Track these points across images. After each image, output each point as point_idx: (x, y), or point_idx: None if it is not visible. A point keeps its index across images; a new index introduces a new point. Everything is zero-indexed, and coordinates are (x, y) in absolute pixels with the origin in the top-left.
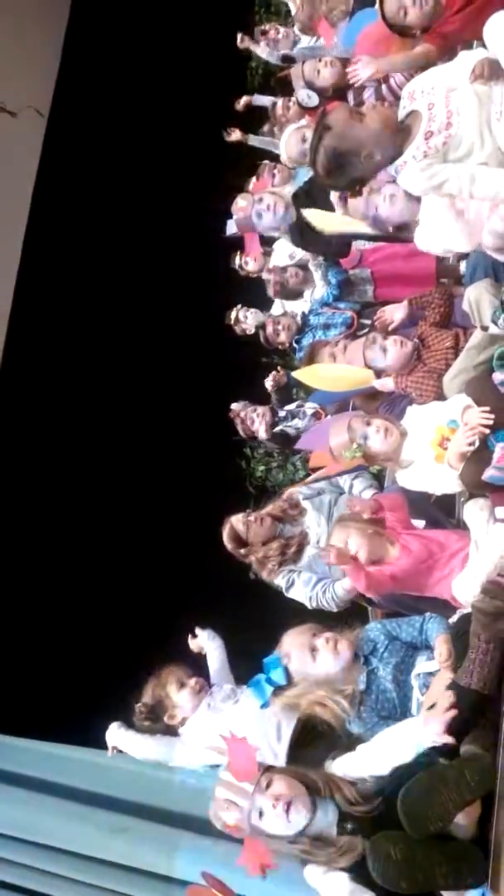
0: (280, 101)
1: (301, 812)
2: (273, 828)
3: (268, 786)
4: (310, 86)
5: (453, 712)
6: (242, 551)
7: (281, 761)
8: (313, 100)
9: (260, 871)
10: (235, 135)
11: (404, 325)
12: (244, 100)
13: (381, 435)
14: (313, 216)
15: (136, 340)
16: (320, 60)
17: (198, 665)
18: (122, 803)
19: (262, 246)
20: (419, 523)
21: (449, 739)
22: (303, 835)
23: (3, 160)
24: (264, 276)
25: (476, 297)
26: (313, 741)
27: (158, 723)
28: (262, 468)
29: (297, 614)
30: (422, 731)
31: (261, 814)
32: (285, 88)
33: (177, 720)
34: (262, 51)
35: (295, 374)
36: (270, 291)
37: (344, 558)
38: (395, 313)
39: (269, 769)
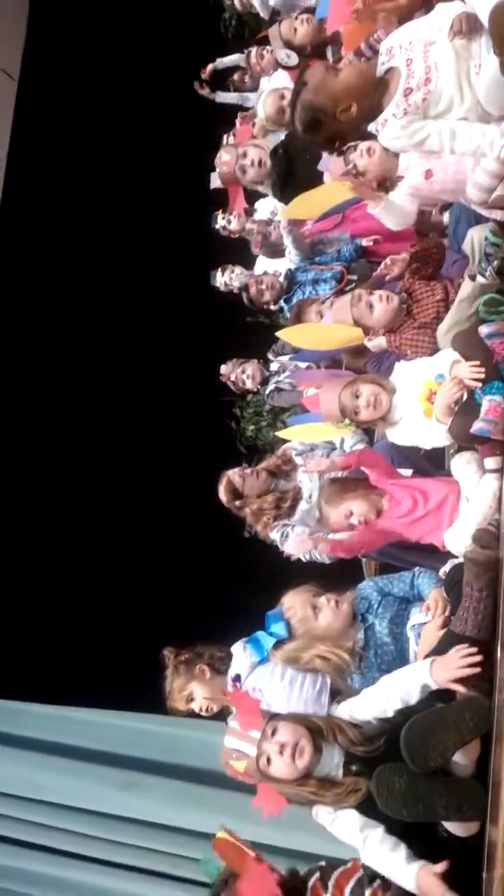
0: (254, 50)
1: (305, 756)
2: (281, 772)
3: (273, 733)
4: (288, 45)
5: (469, 660)
6: (238, 503)
7: (325, 712)
8: (292, 59)
9: (275, 811)
10: (203, 90)
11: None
12: (209, 69)
13: (371, 407)
14: (296, 207)
15: (119, 304)
16: (296, 18)
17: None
18: (129, 760)
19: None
20: (406, 472)
21: (456, 685)
22: (310, 777)
23: None
24: (247, 227)
25: (479, 238)
26: None
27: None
28: (252, 428)
29: (294, 574)
30: (428, 672)
31: (268, 760)
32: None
33: (213, 711)
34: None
35: (280, 333)
36: (253, 245)
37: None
38: (395, 266)
39: (273, 717)
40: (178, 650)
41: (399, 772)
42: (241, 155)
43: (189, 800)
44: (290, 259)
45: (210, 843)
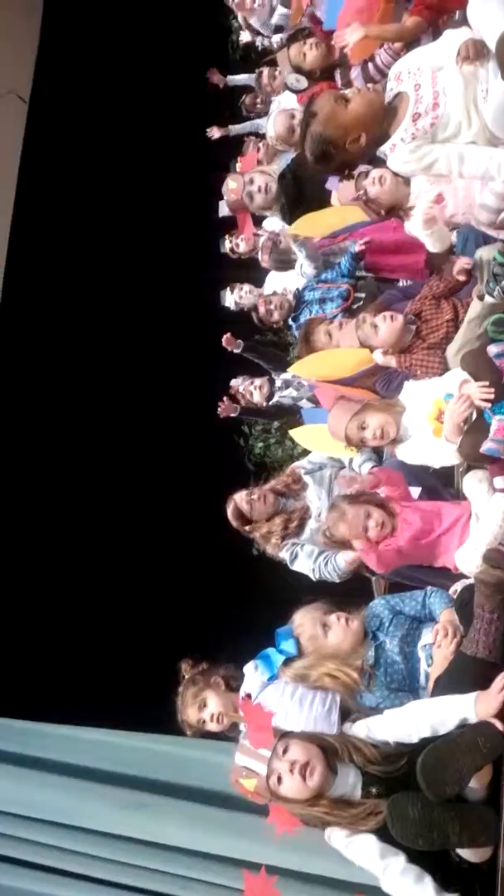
0: (266, 71)
1: (316, 776)
2: (291, 792)
3: (284, 751)
4: (297, 70)
5: None
6: (247, 528)
7: (336, 730)
8: (301, 83)
9: (289, 829)
10: (216, 133)
11: (396, 300)
12: (220, 78)
13: (378, 439)
14: (303, 225)
15: (130, 323)
16: (305, 43)
17: (206, 648)
18: (139, 781)
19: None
20: (415, 490)
21: (500, 725)
22: (322, 797)
23: None
24: (258, 233)
25: (488, 258)
26: None
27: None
28: (260, 445)
29: (303, 590)
30: (470, 708)
31: (279, 779)
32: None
33: (224, 725)
34: (253, 18)
35: (292, 369)
36: (261, 253)
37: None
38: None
39: (285, 735)
40: (195, 662)
41: (413, 801)
42: (248, 182)
43: (200, 821)
44: (302, 272)
45: (220, 866)
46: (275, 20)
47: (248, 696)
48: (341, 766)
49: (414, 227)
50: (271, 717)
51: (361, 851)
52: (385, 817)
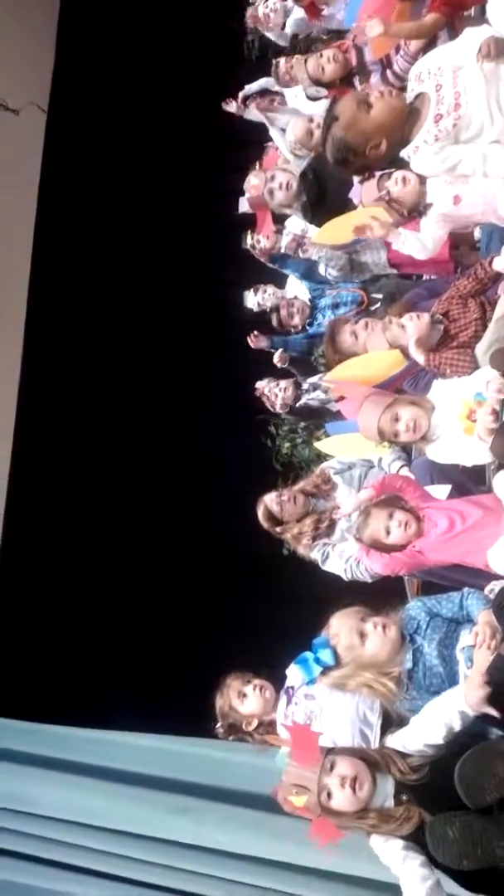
0: (283, 60)
1: (365, 788)
2: (342, 805)
3: (332, 767)
4: (316, 82)
5: (486, 679)
6: (278, 529)
7: (375, 742)
8: (321, 93)
9: (333, 841)
10: (233, 106)
11: (422, 298)
12: (240, 97)
13: (411, 431)
14: (328, 233)
15: (156, 325)
16: (322, 56)
17: (250, 656)
18: (182, 784)
19: (274, 224)
20: (445, 488)
21: (488, 709)
22: (369, 810)
23: (10, 158)
24: (282, 241)
25: None
26: None
27: (246, 734)
28: (287, 445)
29: (335, 590)
30: (461, 698)
31: (329, 794)
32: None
33: (253, 726)
34: (271, 33)
35: (329, 376)
36: (288, 249)
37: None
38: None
39: (330, 751)
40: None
41: (450, 821)
42: (269, 178)
43: (243, 824)
44: (327, 272)
45: (264, 868)
46: (289, 29)
47: (291, 689)
48: (380, 777)
49: (426, 224)
50: (318, 735)
51: (388, 855)
52: (428, 845)
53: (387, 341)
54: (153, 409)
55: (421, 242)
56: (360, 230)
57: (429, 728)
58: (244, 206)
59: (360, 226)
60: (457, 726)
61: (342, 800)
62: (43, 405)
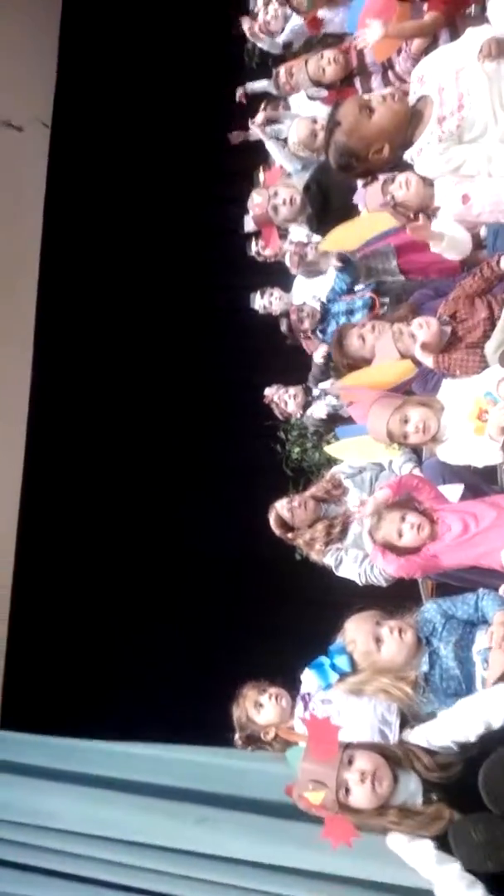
0: (283, 69)
1: (385, 784)
2: (361, 802)
3: (350, 762)
4: (317, 84)
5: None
6: (290, 535)
7: (395, 739)
8: (322, 93)
9: (346, 841)
10: (238, 136)
11: (428, 298)
12: (240, 92)
13: (421, 432)
14: (335, 240)
15: (159, 333)
16: (322, 57)
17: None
18: (197, 794)
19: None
20: (458, 489)
21: None
22: (389, 807)
23: (16, 174)
24: (284, 247)
25: None
26: None
27: (264, 744)
28: (297, 450)
29: (349, 594)
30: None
31: (347, 790)
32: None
33: (271, 735)
34: (262, 42)
35: (339, 383)
36: (290, 265)
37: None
38: None
39: (348, 746)
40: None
41: (474, 823)
42: (273, 195)
43: (260, 832)
44: (337, 280)
45: (284, 877)
46: (284, 37)
47: (308, 695)
48: (403, 774)
49: (439, 226)
50: (337, 730)
51: (419, 857)
52: (451, 845)
53: (398, 351)
54: (161, 415)
55: (460, 243)
56: (414, 230)
57: (465, 724)
58: (249, 224)
59: (415, 226)
60: (497, 724)
61: (361, 796)
62: (53, 417)
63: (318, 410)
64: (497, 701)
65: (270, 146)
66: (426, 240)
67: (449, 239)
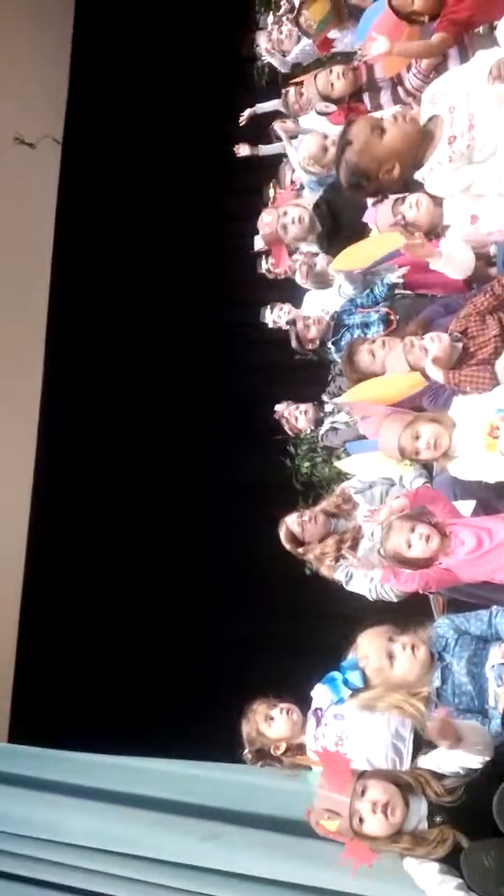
0: (292, 90)
1: (398, 813)
2: (375, 831)
3: (363, 792)
4: (326, 98)
5: None
6: (300, 550)
7: (407, 763)
8: (330, 108)
9: (367, 862)
10: (244, 150)
11: (439, 315)
12: (247, 113)
13: (432, 448)
14: (345, 259)
15: (170, 348)
16: (332, 72)
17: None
18: (208, 810)
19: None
20: (469, 504)
21: None
22: (402, 833)
23: (28, 191)
24: (294, 257)
25: None
26: None
27: (274, 759)
28: (307, 464)
29: (360, 608)
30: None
31: (360, 819)
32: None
33: (282, 750)
34: (274, 61)
35: (344, 396)
36: (299, 276)
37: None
38: None
39: (361, 775)
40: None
41: (486, 850)
42: (282, 214)
43: (271, 849)
44: (341, 293)
45: (290, 892)
46: (292, 57)
47: (319, 710)
48: (414, 799)
49: (445, 246)
50: (349, 762)
51: (425, 879)
52: (463, 872)
53: (408, 363)
54: (172, 431)
55: (461, 262)
56: (409, 248)
57: (473, 749)
58: (259, 244)
59: (409, 244)
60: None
61: (374, 825)
62: (63, 436)
63: (332, 438)
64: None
65: (289, 149)
66: (423, 257)
67: (448, 257)
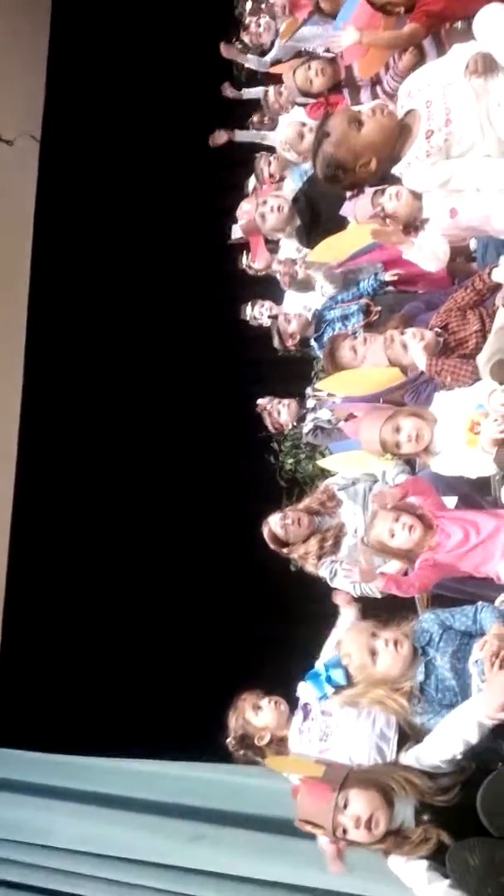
0: (272, 89)
1: (381, 825)
2: (358, 839)
3: (345, 805)
4: (304, 94)
5: None
6: (284, 550)
7: (392, 756)
8: (308, 101)
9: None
10: (221, 138)
11: (420, 311)
12: (227, 87)
13: (413, 441)
14: (323, 252)
15: (153, 346)
16: (310, 68)
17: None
18: (196, 811)
19: (267, 244)
20: (451, 500)
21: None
22: (386, 836)
23: (5, 189)
24: (274, 267)
25: None
26: None
27: (256, 749)
28: (290, 461)
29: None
30: (479, 708)
31: (344, 831)
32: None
33: (265, 740)
34: (249, 61)
35: (321, 384)
36: (282, 283)
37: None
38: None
39: (343, 785)
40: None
41: (470, 849)
42: (261, 203)
43: (256, 849)
44: (322, 292)
45: (278, 892)
46: (272, 55)
47: (307, 705)
48: (398, 802)
49: (423, 239)
50: (329, 789)
51: (413, 878)
52: (448, 872)
53: (387, 358)
54: (156, 426)
55: (434, 253)
56: (378, 234)
57: (444, 742)
58: (237, 232)
59: (377, 230)
60: (474, 740)
61: (358, 836)
62: (46, 429)
63: (320, 438)
64: (466, 716)
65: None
66: (394, 244)
67: (419, 245)
